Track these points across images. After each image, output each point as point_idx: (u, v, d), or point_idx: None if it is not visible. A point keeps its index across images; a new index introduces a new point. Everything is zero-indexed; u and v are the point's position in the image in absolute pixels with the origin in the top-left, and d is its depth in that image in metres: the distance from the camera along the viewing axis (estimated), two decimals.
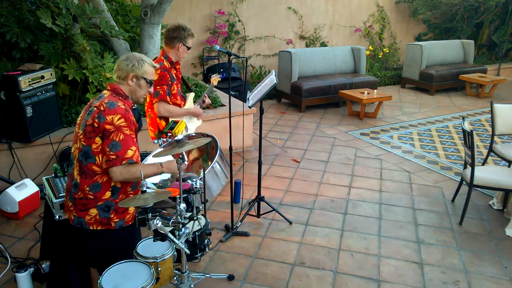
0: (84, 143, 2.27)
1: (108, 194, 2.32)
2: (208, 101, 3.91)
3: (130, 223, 2.43)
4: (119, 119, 2.23)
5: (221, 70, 7.36)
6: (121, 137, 2.23)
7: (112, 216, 2.35)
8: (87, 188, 2.30)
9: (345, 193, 4.53)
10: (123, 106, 2.29)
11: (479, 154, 5.52)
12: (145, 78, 2.38)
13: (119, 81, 2.38)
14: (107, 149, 2.23)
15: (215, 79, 3.97)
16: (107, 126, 2.22)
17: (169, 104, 3.47)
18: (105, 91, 2.39)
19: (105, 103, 2.26)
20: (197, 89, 5.92)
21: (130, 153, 2.25)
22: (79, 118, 2.39)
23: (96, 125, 2.23)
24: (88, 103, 2.42)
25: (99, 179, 2.30)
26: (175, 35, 3.46)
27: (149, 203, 2.11)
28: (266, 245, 3.60)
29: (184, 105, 3.72)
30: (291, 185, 4.71)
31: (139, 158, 2.36)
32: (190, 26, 3.54)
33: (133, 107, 2.42)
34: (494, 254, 3.53)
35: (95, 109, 2.26)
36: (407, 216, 4.11)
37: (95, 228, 2.35)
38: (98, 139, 2.24)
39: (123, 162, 2.24)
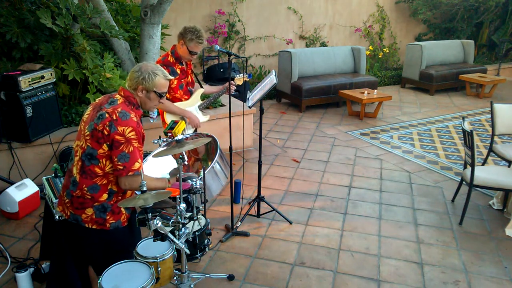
0: (90, 145, 2.28)
1: (105, 196, 2.33)
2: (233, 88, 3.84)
3: (125, 224, 2.43)
4: (130, 131, 2.24)
5: (221, 70, 7.37)
6: (130, 149, 2.25)
7: (108, 217, 2.35)
8: (85, 188, 2.30)
9: (345, 193, 4.53)
10: (135, 119, 2.30)
11: (479, 154, 5.52)
12: (155, 91, 2.38)
13: (130, 90, 2.39)
14: (115, 159, 2.25)
15: (240, 79, 3.90)
16: (117, 137, 2.23)
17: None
18: (118, 96, 2.37)
19: (118, 112, 2.26)
20: None
21: (137, 165, 2.28)
22: (86, 115, 2.38)
23: (106, 133, 2.23)
24: (97, 102, 2.40)
25: (98, 181, 2.30)
26: (182, 32, 3.60)
27: (149, 203, 2.11)
28: (266, 245, 3.60)
29: (185, 99, 3.76)
30: (291, 185, 4.70)
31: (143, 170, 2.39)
32: (203, 35, 3.59)
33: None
34: (494, 254, 3.53)
35: (106, 115, 2.25)
36: (407, 216, 4.11)
37: (90, 227, 2.35)
38: (105, 146, 2.26)
39: (129, 173, 2.27)
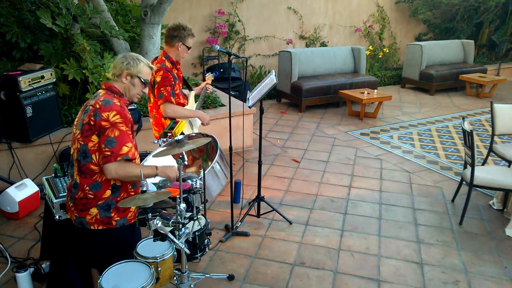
0: (81, 142, 2.28)
1: (108, 192, 2.33)
2: (210, 87, 3.97)
3: (132, 221, 2.43)
4: (114, 115, 2.23)
5: (221, 70, 7.37)
6: (116, 133, 2.23)
7: (112, 214, 2.35)
8: (87, 188, 2.30)
9: (345, 193, 4.53)
10: (118, 103, 2.29)
11: (479, 154, 5.52)
12: (139, 77, 2.39)
13: (114, 79, 2.40)
14: (103, 146, 2.23)
15: (209, 77, 3.98)
16: (103, 123, 2.22)
17: (174, 104, 3.47)
18: (100, 90, 2.41)
19: (101, 101, 2.28)
20: None
21: (125, 149, 2.25)
22: (76, 119, 2.41)
23: (92, 123, 2.23)
24: (84, 103, 2.43)
25: (98, 178, 2.30)
26: (175, 34, 3.46)
27: (149, 203, 2.11)
28: (266, 245, 3.60)
29: (187, 103, 3.75)
30: (291, 185, 4.70)
31: (136, 155, 2.37)
32: (190, 26, 3.54)
33: (133, 108, 2.44)
34: (494, 254, 3.53)
35: (90, 107, 2.27)
36: (407, 216, 4.11)
37: (96, 228, 2.35)
38: (94, 137, 2.25)
39: (118, 158, 2.23)
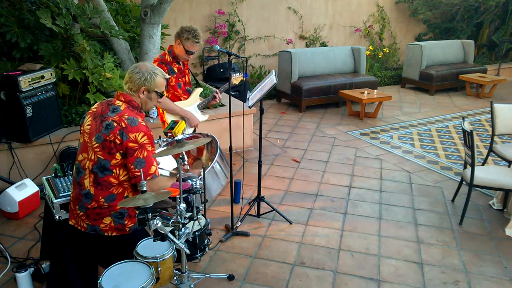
0: (101, 157, 2.28)
1: None
2: (220, 97, 3.93)
3: None
4: (142, 136, 2.26)
5: (221, 70, 7.37)
6: (145, 154, 2.27)
7: (126, 222, 2.39)
8: (102, 199, 2.32)
9: (345, 193, 4.53)
10: (143, 123, 2.31)
11: (479, 154, 5.52)
12: (156, 91, 2.41)
13: (130, 93, 2.39)
14: (132, 166, 2.26)
15: (237, 78, 3.92)
16: (131, 144, 2.24)
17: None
18: (118, 102, 2.37)
19: (126, 119, 2.27)
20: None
21: (153, 168, 2.31)
22: (87, 126, 2.37)
23: (118, 142, 2.24)
24: (95, 110, 2.39)
25: (114, 190, 2.32)
26: (178, 32, 3.64)
27: (149, 203, 2.11)
28: (266, 245, 3.60)
29: (185, 98, 3.79)
30: (291, 185, 4.70)
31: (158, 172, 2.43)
32: (199, 33, 3.60)
33: None
34: (494, 254, 3.53)
35: (115, 124, 2.26)
36: (407, 216, 4.11)
37: (110, 234, 2.37)
38: (118, 155, 2.27)
39: (148, 178, 2.29)
